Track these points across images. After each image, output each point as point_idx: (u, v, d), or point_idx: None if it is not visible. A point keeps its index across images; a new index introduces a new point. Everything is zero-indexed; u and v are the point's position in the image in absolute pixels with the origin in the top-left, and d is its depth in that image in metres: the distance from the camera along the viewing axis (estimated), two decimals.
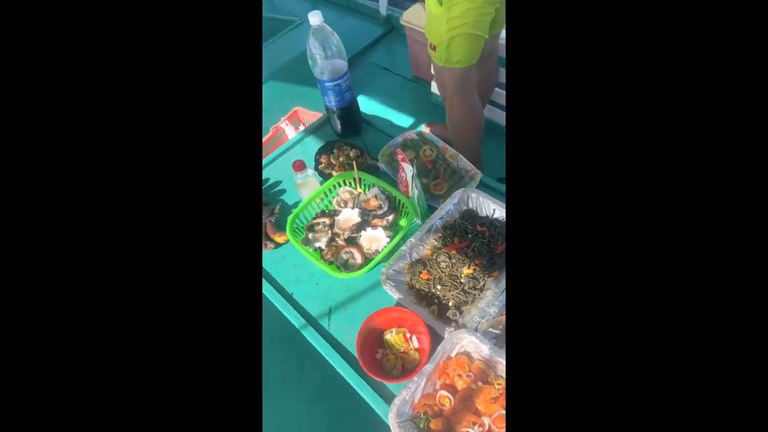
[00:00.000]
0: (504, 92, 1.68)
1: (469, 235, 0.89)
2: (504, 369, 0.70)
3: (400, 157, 0.93)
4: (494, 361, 0.71)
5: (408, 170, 0.90)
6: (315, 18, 0.96)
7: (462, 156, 1.05)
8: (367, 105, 2.09)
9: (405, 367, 0.76)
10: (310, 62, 1.05)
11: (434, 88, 1.96)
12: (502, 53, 1.55)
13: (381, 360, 0.78)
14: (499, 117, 1.77)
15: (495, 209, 0.91)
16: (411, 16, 1.86)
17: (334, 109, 1.12)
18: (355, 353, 0.77)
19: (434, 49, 1.28)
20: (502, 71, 1.61)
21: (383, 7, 2.37)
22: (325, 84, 1.06)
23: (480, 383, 0.70)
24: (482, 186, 1.00)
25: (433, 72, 1.47)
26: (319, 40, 1.00)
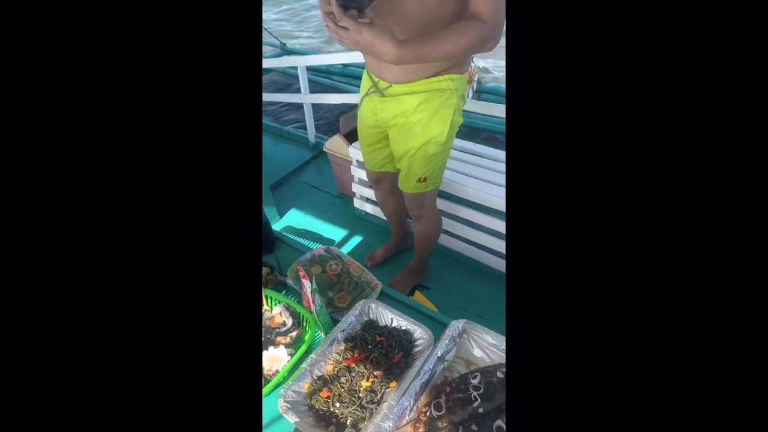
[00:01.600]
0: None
1: (369, 346, 0.92)
2: None
3: (301, 273, 0.99)
4: None
5: (307, 286, 0.95)
6: None
7: (365, 268, 1.13)
8: (297, 219, 2.21)
9: None
10: None
11: (357, 203, 2.15)
12: None
13: None
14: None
15: (392, 318, 0.97)
16: (332, 145, 2.12)
17: None
18: None
19: (424, 181, 1.22)
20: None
21: (311, 135, 2.69)
22: None
23: None
24: (382, 296, 1.07)
25: (406, 201, 1.35)
26: None
